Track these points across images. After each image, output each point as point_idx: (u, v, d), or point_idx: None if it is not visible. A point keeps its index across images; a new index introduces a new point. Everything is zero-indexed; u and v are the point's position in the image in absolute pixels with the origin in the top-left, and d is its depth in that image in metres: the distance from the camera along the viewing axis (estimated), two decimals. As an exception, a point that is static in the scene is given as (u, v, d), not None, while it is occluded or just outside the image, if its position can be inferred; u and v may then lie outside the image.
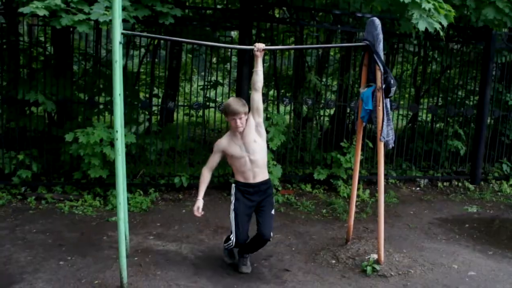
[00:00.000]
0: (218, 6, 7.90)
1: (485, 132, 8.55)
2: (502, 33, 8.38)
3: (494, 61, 8.43)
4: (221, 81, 8.79)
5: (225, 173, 7.48)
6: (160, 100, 8.78)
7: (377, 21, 4.70)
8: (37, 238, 5.27)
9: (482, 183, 8.57)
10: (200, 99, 7.90)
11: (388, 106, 4.78)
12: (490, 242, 5.92)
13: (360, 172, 7.40)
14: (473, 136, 8.67)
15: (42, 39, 7.71)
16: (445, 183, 8.43)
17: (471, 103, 9.12)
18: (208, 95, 7.88)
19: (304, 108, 8.60)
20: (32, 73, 7.06)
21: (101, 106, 7.31)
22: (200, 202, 4.47)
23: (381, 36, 4.68)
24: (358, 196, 7.25)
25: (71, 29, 6.80)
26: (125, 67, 8.12)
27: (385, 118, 4.71)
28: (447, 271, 4.91)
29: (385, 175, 7.64)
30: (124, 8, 5.47)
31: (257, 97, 4.41)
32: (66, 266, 4.61)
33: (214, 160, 4.56)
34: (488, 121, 8.80)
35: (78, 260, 4.75)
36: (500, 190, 8.38)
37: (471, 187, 8.35)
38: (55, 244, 5.12)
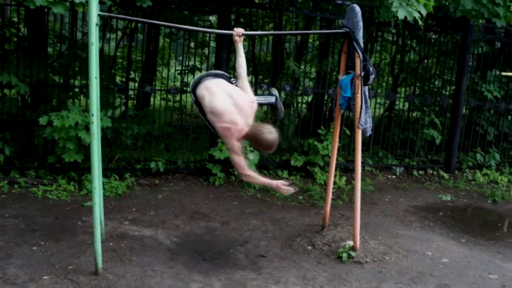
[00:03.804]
0: (197, -10, 7.80)
1: (461, 122, 8.65)
2: (479, 24, 8.46)
3: (470, 52, 8.51)
4: (198, 66, 8.71)
5: (202, 158, 7.43)
6: (136, 84, 8.67)
7: (358, 8, 4.71)
8: (9, 223, 5.17)
9: (456, 172, 8.69)
10: (178, 83, 7.83)
11: (367, 93, 4.81)
12: (463, 229, 6.02)
13: (337, 159, 7.43)
14: (449, 126, 8.77)
15: (15, 19, 7.51)
16: (420, 172, 8.53)
17: (447, 93, 9.22)
18: (185, 80, 7.80)
19: (282, 94, 8.58)
20: (5, 55, 6.89)
21: (77, 90, 7.18)
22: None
23: (361, 24, 4.68)
24: (334, 183, 7.30)
25: (46, 10, 6.63)
26: (101, 50, 8.01)
27: (363, 106, 4.73)
28: (421, 258, 4.98)
29: (361, 162, 7.68)
30: (100, -11, 5.36)
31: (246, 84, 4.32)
32: (39, 252, 4.53)
33: None
34: (464, 111, 8.91)
35: (51, 246, 4.68)
36: (474, 179, 8.52)
37: (446, 175, 8.46)
38: (28, 229, 5.03)
